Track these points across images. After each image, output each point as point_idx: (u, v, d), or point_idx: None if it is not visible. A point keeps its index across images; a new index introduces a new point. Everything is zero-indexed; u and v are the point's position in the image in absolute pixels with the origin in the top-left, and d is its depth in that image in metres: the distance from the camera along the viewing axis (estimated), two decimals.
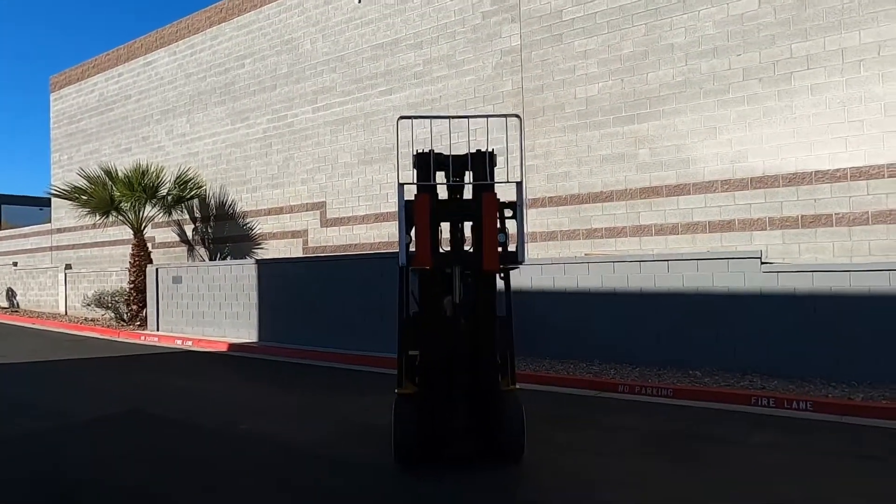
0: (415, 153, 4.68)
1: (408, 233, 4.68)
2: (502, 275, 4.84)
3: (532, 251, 9.65)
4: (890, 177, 7.14)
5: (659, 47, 8.68)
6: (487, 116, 4.93)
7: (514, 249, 4.58)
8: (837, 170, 7.45)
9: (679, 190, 8.48)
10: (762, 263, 7.20)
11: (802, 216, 7.64)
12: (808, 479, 4.14)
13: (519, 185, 4.65)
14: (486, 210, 4.42)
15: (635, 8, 8.87)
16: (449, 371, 4.50)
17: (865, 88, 7.31)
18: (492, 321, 4.49)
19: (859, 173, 7.32)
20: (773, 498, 3.81)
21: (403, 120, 4.74)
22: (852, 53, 7.39)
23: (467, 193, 4.85)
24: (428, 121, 4.94)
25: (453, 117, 4.97)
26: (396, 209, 4.56)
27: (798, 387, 6.52)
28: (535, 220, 9.70)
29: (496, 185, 4.67)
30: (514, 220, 4.60)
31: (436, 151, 4.63)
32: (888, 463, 4.48)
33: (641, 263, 7.96)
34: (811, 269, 6.95)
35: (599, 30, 9.18)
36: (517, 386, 4.65)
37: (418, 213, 4.36)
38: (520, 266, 4.66)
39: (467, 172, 4.77)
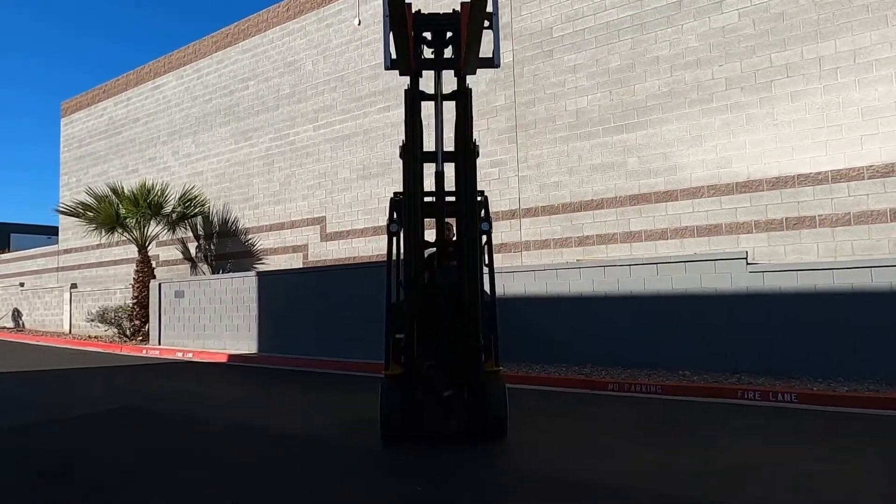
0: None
1: (395, 222, 4.91)
2: (487, 262, 5.00)
3: (526, 259, 9.84)
4: (869, 178, 7.34)
5: (645, 60, 9.01)
6: None
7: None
8: (819, 173, 7.66)
9: (667, 196, 8.69)
10: (748, 264, 7.36)
11: (787, 218, 7.82)
12: (775, 450, 4.25)
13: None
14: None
15: (621, 24, 9.23)
16: (433, 352, 4.65)
17: (843, 94, 7.57)
18: (476, 303, 4.65)
19: (840, 175, 7.52)
20: (736, 461, 3.93)
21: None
22: (829, 61, 7.67)
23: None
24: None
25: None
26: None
27: (784, 383, 6.61)
28: (528, 228, 9.92)
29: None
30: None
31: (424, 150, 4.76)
32: (861, 439, 4.58)
33: (631, 267, 8.14)
34: (795, 268, 7.11)
35: (587, 45, 9.53)
36: (501, 368, 4.80)
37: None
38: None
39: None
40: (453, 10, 4.62)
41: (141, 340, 13.56)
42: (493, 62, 4.71)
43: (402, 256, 4.84)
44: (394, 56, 4.58)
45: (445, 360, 4.70)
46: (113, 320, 14.11)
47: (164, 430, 5.34)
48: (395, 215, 4.99)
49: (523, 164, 10.04)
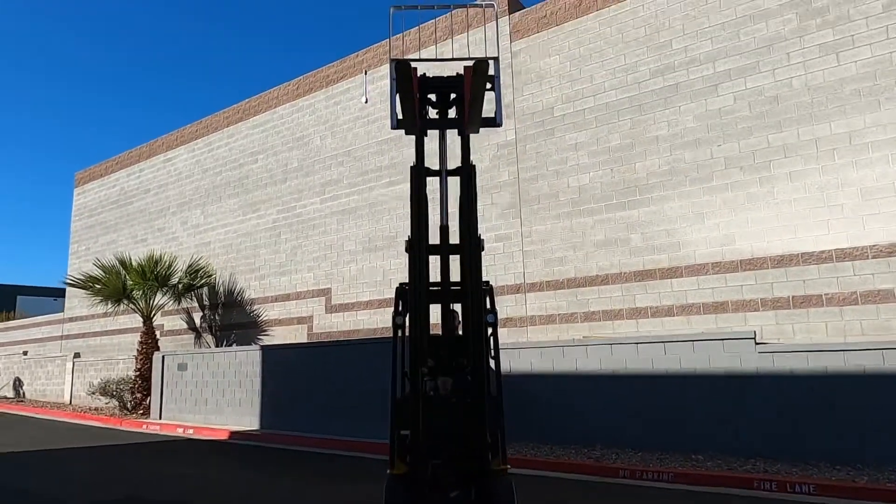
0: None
1: (400, 314, 4.91)
2: (493, 355, 4.97)
3: (531, 334, 9.78)
4: (874, 257, 7.36)
5: (644, 139, 9.24)
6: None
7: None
8: (823, 252, 7.69)
9: (672, 273, 8.71)
10: (756, 344, 7.28)
11: (793, 297, 7.80)
12: None
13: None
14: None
15: (620, 104, 9.52)
16: (439, 451, 4.54)
17: (841, 175, 7.70)
18: (481, 401, 4.58)
19: (844, 255, 7.55)
20: None
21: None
22: (826, 143, 7.85)
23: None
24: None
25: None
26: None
27: (802, 470, 6.41)
28: (533, 303, 9.90)
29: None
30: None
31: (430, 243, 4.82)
32: None
33: (638, 345, 8.06)
34: (805, 349, 7.03)
35: (588, 124, 9.80)
36: (508, 466, 4.67)
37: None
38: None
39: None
40: (457, 73, 4.82)
41: (142, 414, 13.35)
42: (495, 122, 4.83)
43: (406, 349, 4.81)
44: (400, 116, 4.73)
45: (452, 459, 4.58)
46: (115, 393, 13.95)
47: None
48: (400, 306, 4.99)
49: (527, 239, 10.14)
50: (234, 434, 10.67)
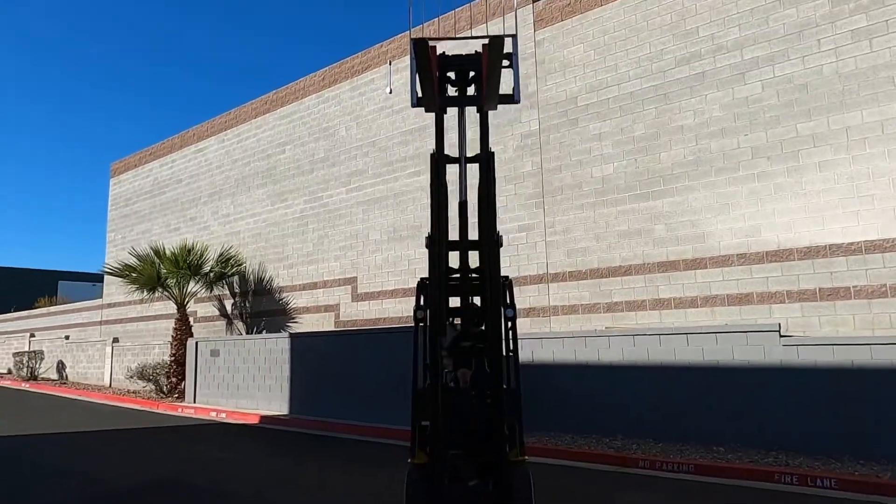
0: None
1: (421, 308, 5.04)
2: (511, 348, 5.07)
3: (554, 324, 9.84)
4: None
5: (669, 129, 9.14)
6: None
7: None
8: (851, 243, 7.55)
9: (696, 264, 8.66)
10: (781, 336, 7.23)
11: (820, 289, 7.69)
12: None
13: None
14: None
15: (644, 94, 9.42)
16: (457, 442, 4.68)
17: (872, 164, 7.53)
18: (499, 394, 4.69)
19: (874, 246, 7.40)
20: None
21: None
22: (856, 132, 7.67)
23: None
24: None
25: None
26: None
27: (824, 464, 6.39)
28: (556, 293, 9.95)
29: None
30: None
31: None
32: None
33: (661, 336, 8.06)
34: (831, 342, 6.95)
35: (612, 114, 9.73)
36: (526, 457, 4.79)
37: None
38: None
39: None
40: (475, 51, 4.89)
41: (177, 398, 13.85)
42: (513, 98, 4.92)
43: (427, 343, 4.94)
44: (420, 95, 4.83)
45: (470, 450, 4.72)
46: (151, 377, 14.49)
47: None
48: (421, 300, 5.12)
49: (550, 230, 10.16)
50: (263, 419, 11.02)
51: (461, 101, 4.99)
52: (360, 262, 12.92)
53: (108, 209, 21.49)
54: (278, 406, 11.55)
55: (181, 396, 13.82)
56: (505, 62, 4.48)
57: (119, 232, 20.71)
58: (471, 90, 5.03)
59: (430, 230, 4.99)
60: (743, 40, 8.63)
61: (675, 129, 9.08)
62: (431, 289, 4.81)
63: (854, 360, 6.75)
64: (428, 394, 4.94)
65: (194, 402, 13.16)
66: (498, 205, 10.99)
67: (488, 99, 4.71)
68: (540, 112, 10.59)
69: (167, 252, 14.69)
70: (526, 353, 9.04)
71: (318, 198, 14.08)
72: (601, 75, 9.94)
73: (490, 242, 4.80)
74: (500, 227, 11.21)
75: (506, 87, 4.63)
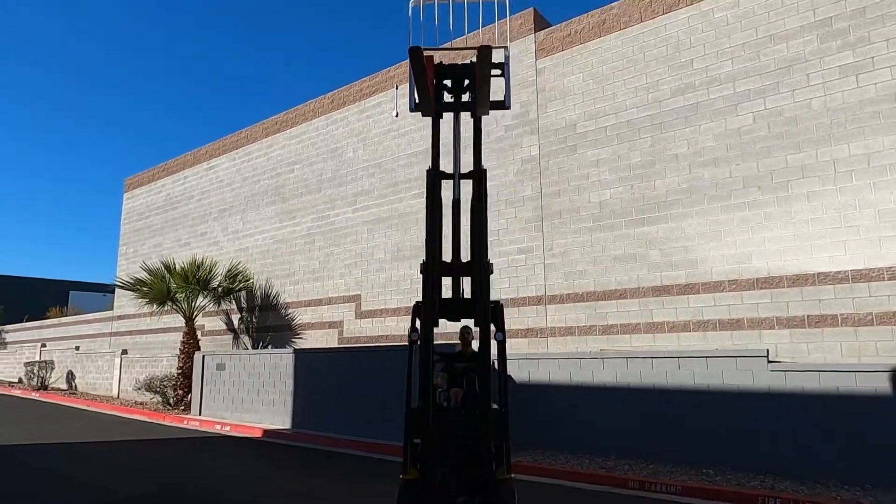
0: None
1: (416, 331, 5.31)
2: (500, 371, 5.32)
3: (551, 346, 10.06)
4: (890, 279, 7.41)
5: (664, 157, 9.42)
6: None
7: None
8: (839, 272, 7.76)
9: (689, 289, 8.88)
10: (769, 362, 7.42)
11: (808, 316, 7.89)
12: None
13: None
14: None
15: (641, 122, 9.73)
16: (447, 460, 4.92)
17: (859, 196, 7.76)
18: (488, 413, 4.93)
19: (860, 275, 7.61)
20: None
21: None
22: (843, 164, 7.92)
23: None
24: None
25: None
26: None
27: (810, 488, 6.55)
28: (553, 315, 10.18)
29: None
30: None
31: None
32: None
33: (653, 360, 8.27)
34: (818, 368, 7.14)
35: (610, 141, 10.04)
36: (512, 475, 5.01)
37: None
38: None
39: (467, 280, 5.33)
40: (470, 61, 5.25)
41: (183, 410, 14.13)
42: (504, 104, 5.26)
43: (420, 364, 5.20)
44: (417, 101, 5.17)
45: (459, 467, 4.95)
46: (158, 389, 14.79)
47: None
48: (416, 322, 5.39)
49: (549, 253, 10.43)
50: (267, 432, 11.27)
51: (456, 107, 5.37)
52: (364, 280, 13.22)
53: (122, 223, 21.99)
54: (281, 420, 11.80)
55: (187, 409, 14.10)
56: (497, 71, 4.90)
57: (131, 245, 21.17)
58: (466, 97, 5.43)
59: (425, 255, 5.29)
60: (735, 73, 8.93)
61: (670, 157, 9.37)
62: (424, 314, 5.08)
63: (839, 387, 6.93)
64: (420, 412, 5.20)
65: (200, 414, 13.44)
66: (498, 227, 11.30)
67: (480, 105, 5.08)
68: (540, 138, 10.91)
69: (177, 267, 15.08)
70: (523, 374, 9.28)
71: (325, 216, 14.43)
72: (599, 104, 10.27)
73: (481, 270, 5.08)
74: (500, 250, 11.61)
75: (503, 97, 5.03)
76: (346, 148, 14.33)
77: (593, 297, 9.79)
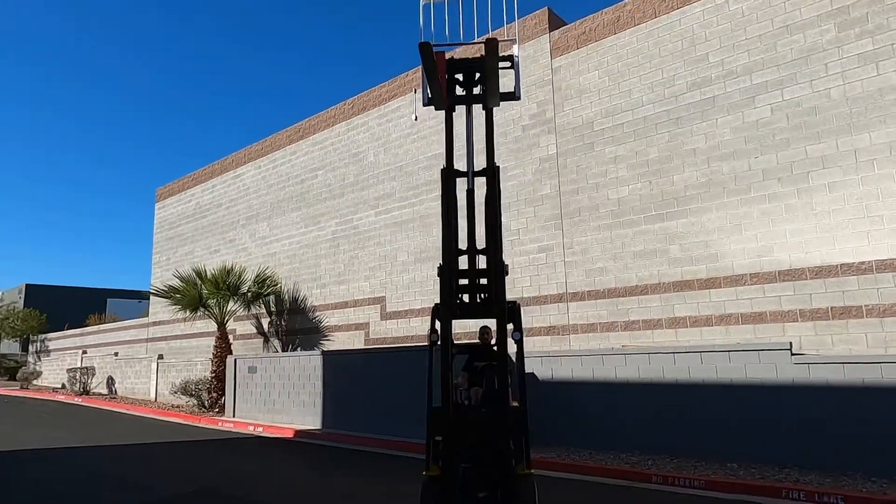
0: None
1: (435, 332, 5.49)
2: (519, 369, 5.45)
3: (573, 343, 10.14)
4: None
5: (682, 152, 9.41)
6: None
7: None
8: (862, 262, 7.68)
9: (710, 283, 8.87)
10: (793, 355, 7.40)
11: (832, 308, 7.83)
12: None
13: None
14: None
15: (658, 118, 9.73)
16: (468, 456, 5.09)
17: (881, 185, 7.66)
18: (507, 411, 5.08)
19: (884, 266, 7.52)
20: None
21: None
22: (865, 153, 7.82)
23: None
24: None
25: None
26: None
27: (835, 480, 6.53)
28: (575, 312, 10.25)
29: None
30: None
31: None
32: None
33: (675, 355, 8.30)
34: (841, 360, 7.10)
35: (627, 138, 10.06)
36: (532, 471, 5.15)
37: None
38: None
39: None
40: (481, 55, 5.35)
41: (217, 412, 14.58)
42: (514, 95, 5.44)
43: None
44: (430, 95, 5.34)
45: (480, 463, 5.11)
46: (194, 392, 15.27)
47: None
48: (435, 324, 5.57)
49: (569, 250, 10.49)
50: (298, 433, 11.59)
51: (468, 100, 5.53)
52: (389, 282, 13.46)
53: (154, 232, 22.68)
54: (311, 421, 12.11)
55: (221, 411, 14.54)
56: (506, 63, 5.11)
57: (164, 254, 21.83)
58: (477, 90, 5.58)
59: (441, 257, 5.46)
60: (752, 65, 8.88)
61: (688, 152, 9.35)
62: (443, 315, 5.25)
63: (865, 379, 6.88)
64: (441, 411, 5.37)
65: (234, 416, 13.85)
66: (518, 226, 11.38)
67: (490, 95, 5.23)
68: (557, 136, 10.98)
69: (208, 274, 15.55)
70: (546, 371, 9.39)
71: (349, 220, 14.72)
72: (616, 100, 10.29)
73: (497, 272, 5.23)
74: (520, 248, 11.72)
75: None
76: (368, 152, 14.59)
77: (614, 293, 9.83)
